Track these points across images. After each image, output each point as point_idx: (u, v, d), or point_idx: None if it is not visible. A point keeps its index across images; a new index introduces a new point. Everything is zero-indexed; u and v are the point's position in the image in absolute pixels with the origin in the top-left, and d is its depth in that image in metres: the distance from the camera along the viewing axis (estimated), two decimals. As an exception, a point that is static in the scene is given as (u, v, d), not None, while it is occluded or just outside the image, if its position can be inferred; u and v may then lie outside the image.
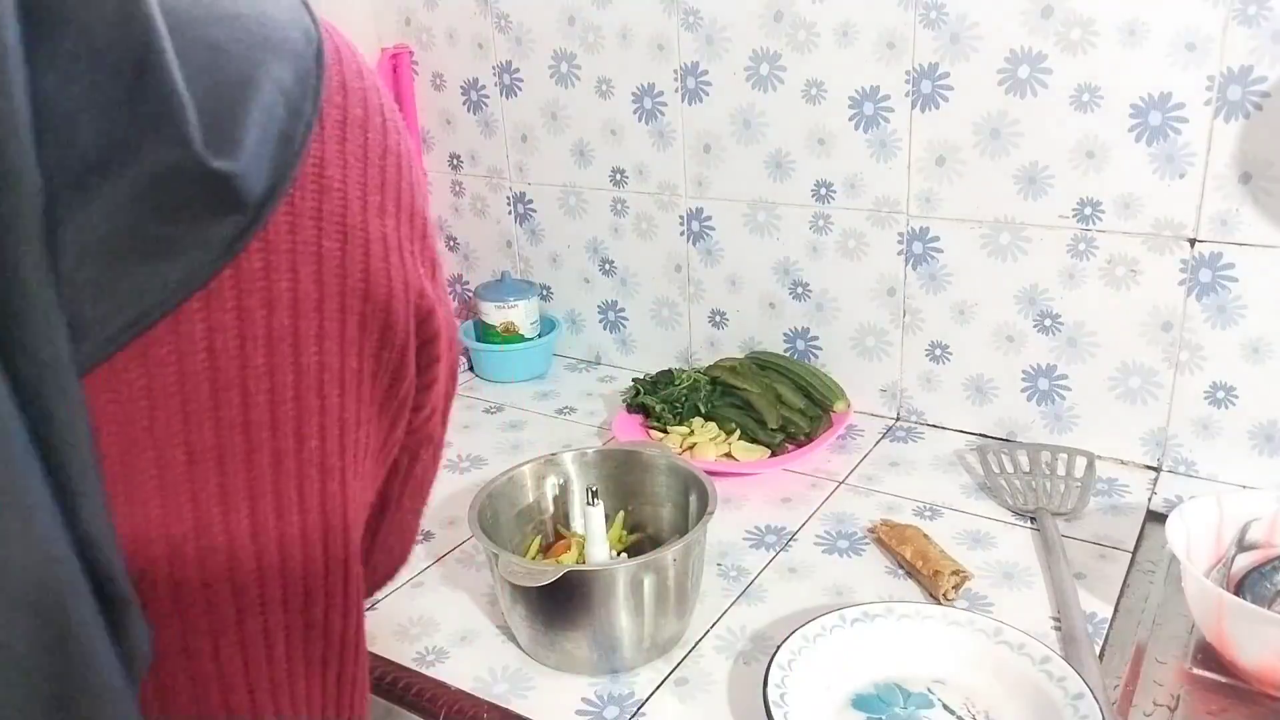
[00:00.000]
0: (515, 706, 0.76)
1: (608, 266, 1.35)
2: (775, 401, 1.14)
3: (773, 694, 0.70)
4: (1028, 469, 1.06)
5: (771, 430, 1.11)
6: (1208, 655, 0.79)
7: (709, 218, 1.24)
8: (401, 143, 0.37)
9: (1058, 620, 0.82)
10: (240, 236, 0.30)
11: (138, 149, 0.28)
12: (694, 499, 0.85)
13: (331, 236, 0.33)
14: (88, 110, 0.27)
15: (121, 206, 0.28)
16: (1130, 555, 0.91)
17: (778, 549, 0.95)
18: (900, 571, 0.90)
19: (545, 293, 1.42)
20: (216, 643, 0.32)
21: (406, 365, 0.37)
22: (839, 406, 1.15)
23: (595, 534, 0.84)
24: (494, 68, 1.34)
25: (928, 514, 0.99)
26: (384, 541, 0.44)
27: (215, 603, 0.32)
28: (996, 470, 1.06)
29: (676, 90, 1.21)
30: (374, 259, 0.34)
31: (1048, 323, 1.07)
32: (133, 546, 0.30)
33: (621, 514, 0.91)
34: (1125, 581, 0.88)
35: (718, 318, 1.29)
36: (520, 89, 1.33)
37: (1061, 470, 1.05)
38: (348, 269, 0.33)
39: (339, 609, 0.36)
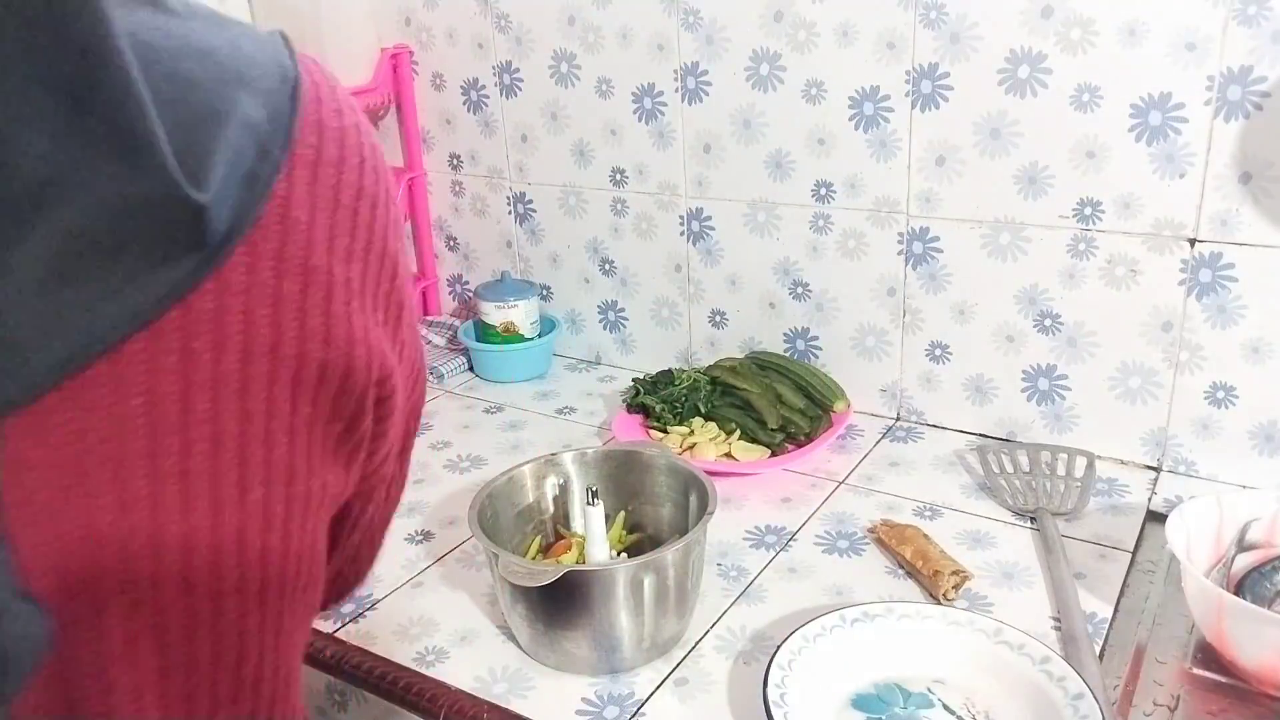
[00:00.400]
0: (515, 706, 0.76)
1: (608, 266, 1.35)
2: (775, 401, 1.14)
3: (773, 694, 0.70)
4: (1028, 469, 1.06)
5: (771, 430, 1.11)
6: (1208, 655, 0.79)
7: (709, 218, 1.24)
8: (379, 183, 0.35)
9: (1058, 620, 0.82)
10: (193, 274, 0.29)
11: (90, 176, 0.26)
12: (694, 499, 0.85)
13: (292, 278, 0.31)
14: (29, 134, 0.25)
15: (64, 235, 0.26)
16: (1130, 555, 0.91)
17: (778, 549, 0.94)
18: (900, 571, 0.90)
19: (545, 293, 1.42)
20: (143, 698, 0.31)
21: (365, 412, 0.35)
22: (839, 406, 1.15)
23: (595, 534, 0.84)
24: (494, 68, 1.34)
25: (928, 514, 0.99)
26: (334, 569, 0.43)
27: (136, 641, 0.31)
28: (996, 470, 1.06)
29: (676, 90, 1.21)
30: (336, 303, 0.33)
31: (1048, 323, 1.07)
32: (55, 578, 0.28)
33: (621, 514, 0.91)
34: (1125, 581, 0.88)
35: (718, 318, 1.29)
36: (520, 89, 1.33)
37: (1061, 470, 1.05)
38: (308, 311, 0.32)
39: (270, 661, 0.34)
